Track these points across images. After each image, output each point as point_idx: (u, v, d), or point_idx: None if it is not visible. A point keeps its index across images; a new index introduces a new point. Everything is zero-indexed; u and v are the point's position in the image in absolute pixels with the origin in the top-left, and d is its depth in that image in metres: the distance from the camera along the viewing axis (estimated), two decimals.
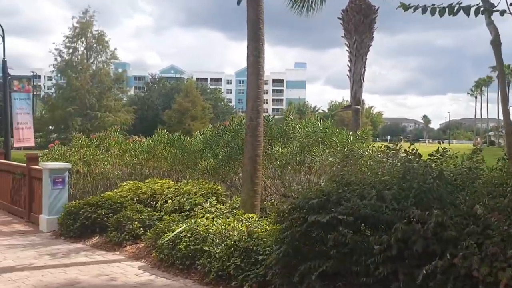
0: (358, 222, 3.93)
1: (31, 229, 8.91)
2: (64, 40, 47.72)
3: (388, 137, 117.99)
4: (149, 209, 8.00)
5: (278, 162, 7.99)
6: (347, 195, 4.11)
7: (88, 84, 46.84)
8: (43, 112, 51.36)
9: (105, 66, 49.55)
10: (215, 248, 5.54)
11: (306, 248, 4.18)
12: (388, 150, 4.85)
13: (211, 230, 5.85)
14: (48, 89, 59.96)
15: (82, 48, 48.71)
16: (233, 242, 5.46)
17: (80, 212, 7.95)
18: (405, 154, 4.56)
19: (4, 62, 11.56)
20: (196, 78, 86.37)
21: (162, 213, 7.89)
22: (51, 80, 52.50)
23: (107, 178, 10.65)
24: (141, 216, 7.53)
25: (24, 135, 11.94)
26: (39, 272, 5.77)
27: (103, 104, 47.75)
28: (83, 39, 48.13)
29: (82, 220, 7.85)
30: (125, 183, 9.40)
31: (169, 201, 8.14)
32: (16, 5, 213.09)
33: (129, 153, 10.94)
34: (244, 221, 6.41)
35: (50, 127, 51.08)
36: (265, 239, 5.24)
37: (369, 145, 8.17)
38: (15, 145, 12.06)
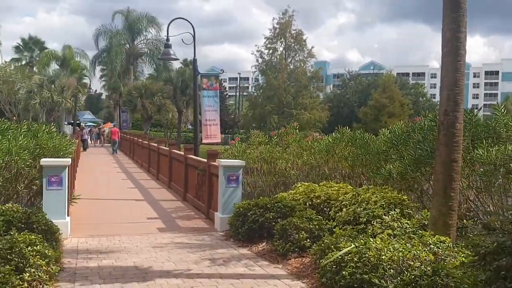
0: None
1: (207, 227, 8.82)
2: (265, 42, 50.35)
3: None
4: (320, 216, 7.03)
5: (483, 170, 6.14)
6: None
7: (285, 83, 48.42)
8: (246, 110, 55.23)
9: (302, 65, 50.54)
10: (388, 283, 4.24)
11: None
12: None
13: (384, 257, 4.55)
14: (255, 89, 64.06)
15: (281, 48, 50.61)
16: (412, 277, 4.09)
17: (249, 214, 7.41)
18: None
19: (194, 61, 11.98)
20: (397, 73, 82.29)
21: (334, 223, 6.85)
22: (258, 81, 55.93)
23: (285, 177, 10.08)
24: (309, 225, 6.59)
25: (212, 131, 12.26)
26: (191, 282, 5.31)
27: (298, 102, 48.80)
28: (282, 39, 49.97)
29: (249, 223, 7.31)
30: (299, 185, 8.65)
31: (344, 209, 7.05)
32: (232, 14, 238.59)
33: (308, 151, 10.19)
34: (432, 246, 4.92)
35: (253, 124, 54.49)
36: (458, 281, 3.74)
37: None
38: (203, 141, 12.50)
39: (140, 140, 22.35)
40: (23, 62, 53.51)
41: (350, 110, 62.80)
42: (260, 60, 50.61)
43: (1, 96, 42.01)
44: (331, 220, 7.04)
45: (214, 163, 9.29)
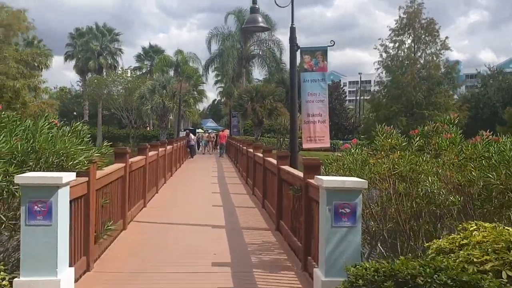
0: None
1: None
2: (390, 34, 44.66)
3: None
4: None
5: None
6: None
7: (415, 80, 42.37)
8: (368, 113, 50.12)
9: (435, 58, 43.95)
10: None
11: None
12: None
13: None
14: (378, 89, 58.59)
15: (409, 41, 44.53)
16: None
17: None
18: None
19: (292, 29, 8.22)
20: None
21: None
22: (381, 80, 50.06)
23: (436, 205, 5.95)
24: None
25: (317, 131, 8.37)
26: None
27: (431, 101, 42.32)
28: (410, 30, 43.91)
29: None
30: (472, 226, 4.49)
31: None
32: (354, 19, 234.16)
33: (477, 162, 5.97)
34: None
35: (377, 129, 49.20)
36: None
37: None
38: (304, 146, 8.64)
39: (240, 145, 19.45)
40: (144, 71, 54.71)
41: (492, 112, 53.99)
42: (384, 55, 44.84)
43: (119, 104, 42.58)
44: None
45: (313, 181, 5.56)
